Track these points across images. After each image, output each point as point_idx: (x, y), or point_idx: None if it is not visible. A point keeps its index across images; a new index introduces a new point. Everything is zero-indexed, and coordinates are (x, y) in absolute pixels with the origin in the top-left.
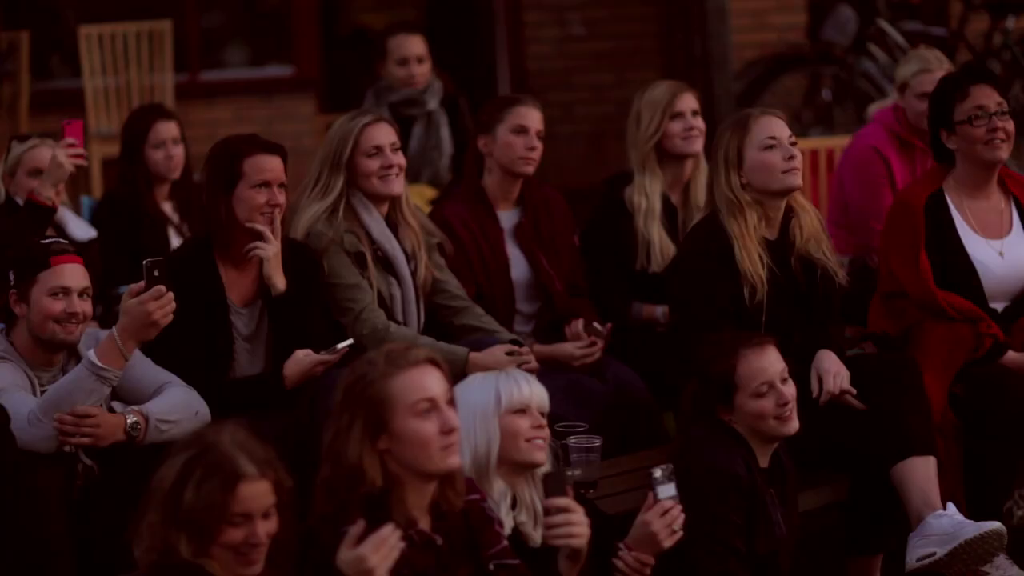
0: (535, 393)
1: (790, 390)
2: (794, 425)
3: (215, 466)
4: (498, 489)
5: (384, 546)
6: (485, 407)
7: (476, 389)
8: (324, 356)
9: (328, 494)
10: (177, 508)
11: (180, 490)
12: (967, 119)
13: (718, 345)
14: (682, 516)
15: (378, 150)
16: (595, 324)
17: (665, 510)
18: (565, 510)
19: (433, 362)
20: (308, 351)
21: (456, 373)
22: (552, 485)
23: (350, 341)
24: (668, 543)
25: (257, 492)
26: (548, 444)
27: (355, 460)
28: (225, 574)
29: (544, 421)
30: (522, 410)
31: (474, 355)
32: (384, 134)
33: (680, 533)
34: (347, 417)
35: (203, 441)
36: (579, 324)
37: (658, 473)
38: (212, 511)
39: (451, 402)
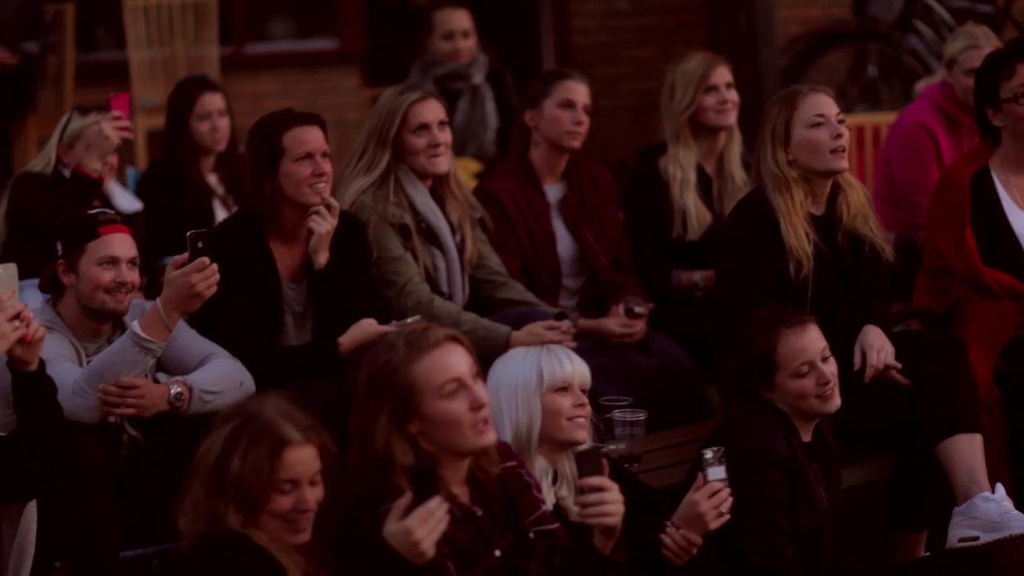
0: (577, 371)
1: (831, 369)
2: (836, 403)
3: (260, 433)
4: (539, 466)
5: (431, 519)
6: (527, 384)
7: (518, 365)
8: (389, 328)
9: (359, 479)
10: (224, 479)
11: (226, 461)
12: (1013, 97)
13: (759, 323)
14: (730, 499)
15: (425, 128)
16: (636, 308)
17: (714, 491)
18: (599, 489)
19: (454, 339)
20: (372, 321)
21: (498, 351)
22: (586, 463)
23: (417, 317)
24: (715, 525)
25: (304, 457)
26: (589, 421)
27: (383, 448)
28: (273, 544)
29: (586, 399)
30: (564, 388)
31: (516, 334)
32: (432, 111)
33: (727, 516)
34: (373, 405)
35: (246, 411)
36: (620, 310)
37: (709, 455)
38: (260, 478)
39: (477, 375)
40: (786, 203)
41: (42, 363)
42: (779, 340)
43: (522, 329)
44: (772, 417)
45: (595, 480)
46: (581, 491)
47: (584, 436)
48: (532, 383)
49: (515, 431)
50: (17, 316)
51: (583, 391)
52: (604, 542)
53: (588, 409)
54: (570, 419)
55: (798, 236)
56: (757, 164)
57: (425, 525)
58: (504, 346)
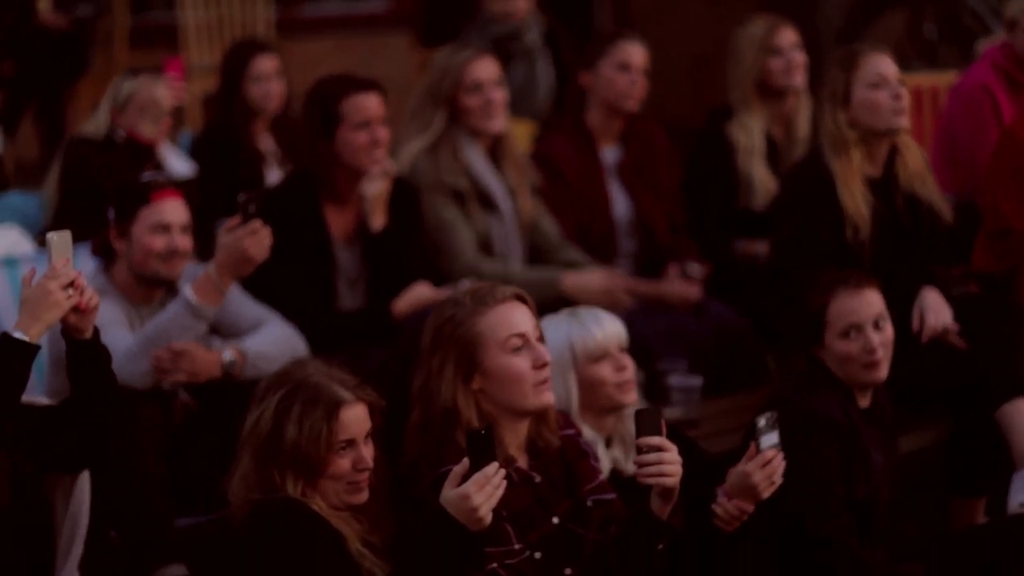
0: (609, 334)
1: (881, 338)
2: (880, 374)
3: (313, 397)
4: (586, 436)
5: (488, 484)
6: (559, 359)
7: (551, 337)
8: (444, 293)
9: (422, 436)
10: (279, 448)
11: (280, 430)
12: None
13: (817, 280)
14: (783, 465)
15: (480, 86)
16: (689, 267)
17: (766, 460)
18: (658, 448)
19: (520, 298)
20: (427, 285)
21: (552, 295)
22: (645, 422)
23: (469, 281)
24: (767, 493)
25: (358, 416)
26: (635, 380)
27: (449, 401)
28: (330, 510)
29: (626, 360)
30: (601, 357)
31: (568, 275)
32: (486, 69)
33: (779, 482)
34: (438, 359)
35: (291, 377)
36: (675, 273)
37: (762, 422)
38: (318, 442)
39: (541, 338)
40: (843, 165)
41: (96, 331)
42: (832, 298)
43: (575, 274)
44: (827, 382)
45: (654, 440)
46: (639, 450)
47: (633, 398)
48: (565, 357)
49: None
50: (71, 284)
51: (621, 351)
52: (661, 506)
53: (631, 369)
54: (616, 385)
55: (855, 199)
56: (815, 125)
57: (483, 491)
58: (558, 287)
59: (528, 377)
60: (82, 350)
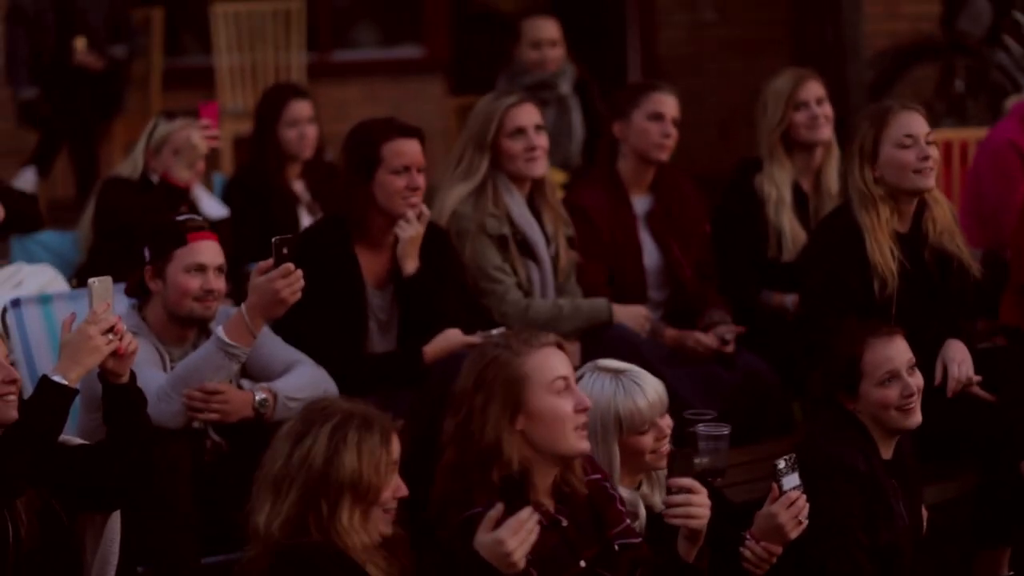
0: (655, 405)
1: (917, 381)
2: (917, 419)
3: (367, 425)
4: (625, 498)
5: (522, 529)
6: (605, 427)
7: (595, 401)
8: (475, 339)
9: (454, 477)
10: (333, 480)
11: (336, 458)
12: None
13: (847, 331)
14: (807, 506)
15: (522, 131)
16: (727, 336)
17: (791, 501)
18: (688, 490)
19: (559, 346)
20: (458, 331)
21: (602, 323)
22: (678, 464)
23: (502, 329)
24: (794, 534)
25: (399, 444)
26: (669, 443)
27: (492, 440)
28: (361, 548)
29: (666, 427)
30: (645, 430)
31: (617, 306)
32: (528, 115)
33: (806, 523)
34: (481, 398)
35: (335, 409)
36: (712, 338)
37: (782, 464)
38: (379, 467)
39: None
40: (871, 220)
41: (133, 375)
42: (866, 348)
43: (624, 307)
44: (853, 432)
45: (685, 481)
46: (669, 490)
47: (665, 463)
48: (610, 426)
49: None
50: (111, 329)
51: (663, 417)
52: (688, 548)
53: (668, 433)
54: (654, 452)
55: (883, 253)
56: (844, 179)
57: (517, 536)
58: (608, 318)
59: (570, 420)
60: (119, 393)
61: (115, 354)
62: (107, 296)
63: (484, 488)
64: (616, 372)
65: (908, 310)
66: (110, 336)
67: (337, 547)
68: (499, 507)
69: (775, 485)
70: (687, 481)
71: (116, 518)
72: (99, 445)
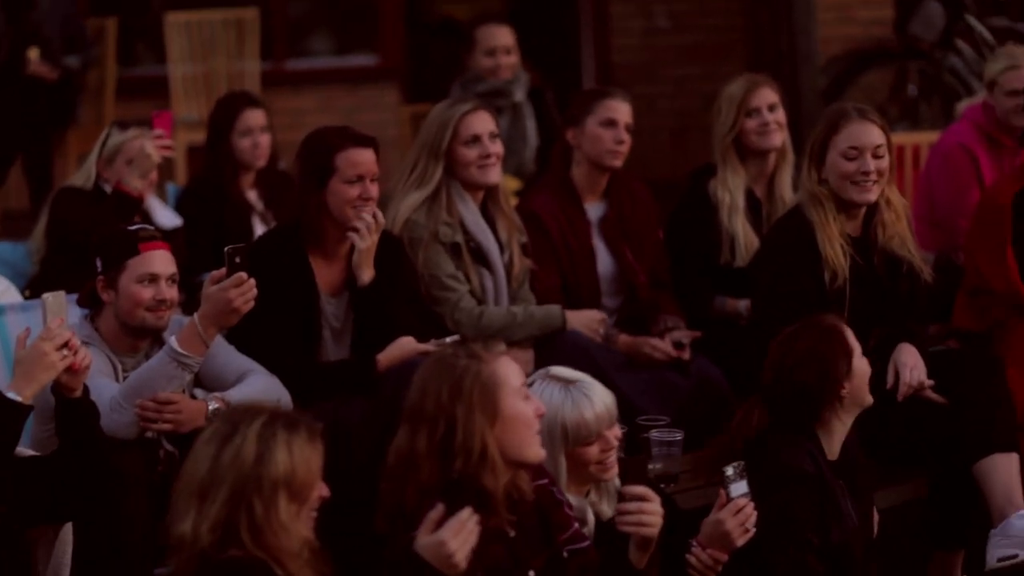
0: (600, 415)
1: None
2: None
3: (293, 425)
4: (573, 505)
5: (464, 530)
6: (552, 435)
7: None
8: (428, 347)
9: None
10: (266, 477)
11: (269, 458)
12: None
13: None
14: (755, 514)
15: (477, 139)
16: (683, 340)
17: (739, 508)
18: (641, 498)
19: (509, 355)
20: (411, 339)
21: (556, 330)
22: (630, 471)
23: (457, 337)
24: (741, 541)
25: (320, 447)
26: (617, 454)
27: (481, 449)
28: (297, 546)
29: (613, 439)
30: (591, 441)
31: (570, 312)
32: (483, 123)
33: (753, 531)
34: (463, 409)
35: (257, 411)
36: (667, 342)
37: (730, 471)
38: (309, 464)
39: None
40: (820, 217)
41: (86, 389)
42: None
43: (578, 312)
44: (798, 435)
45: (638, 489)
46: (621, 498)
47: (612, 475)
48: (556, 435)
49: None
50: (65, 344)
51: (610, 428)
52: (639, 556)
53: (616, 445)
54: (599, 463)
55: (834, 247)
56: (797, 177)
57: (459, 537)
58: (561, 324)
59: (534, 425)
60: (72, 407)
61: (69, 369)
62: (61, 311)
63: (478, 499)
64: (566, 382)
65: (860, 312)
66: (64, 352)
67: (265, 560)
68: (440, 508)
69: (723, 491)
70: (640, 489)
71: (68, 529)
72: (51, 457)
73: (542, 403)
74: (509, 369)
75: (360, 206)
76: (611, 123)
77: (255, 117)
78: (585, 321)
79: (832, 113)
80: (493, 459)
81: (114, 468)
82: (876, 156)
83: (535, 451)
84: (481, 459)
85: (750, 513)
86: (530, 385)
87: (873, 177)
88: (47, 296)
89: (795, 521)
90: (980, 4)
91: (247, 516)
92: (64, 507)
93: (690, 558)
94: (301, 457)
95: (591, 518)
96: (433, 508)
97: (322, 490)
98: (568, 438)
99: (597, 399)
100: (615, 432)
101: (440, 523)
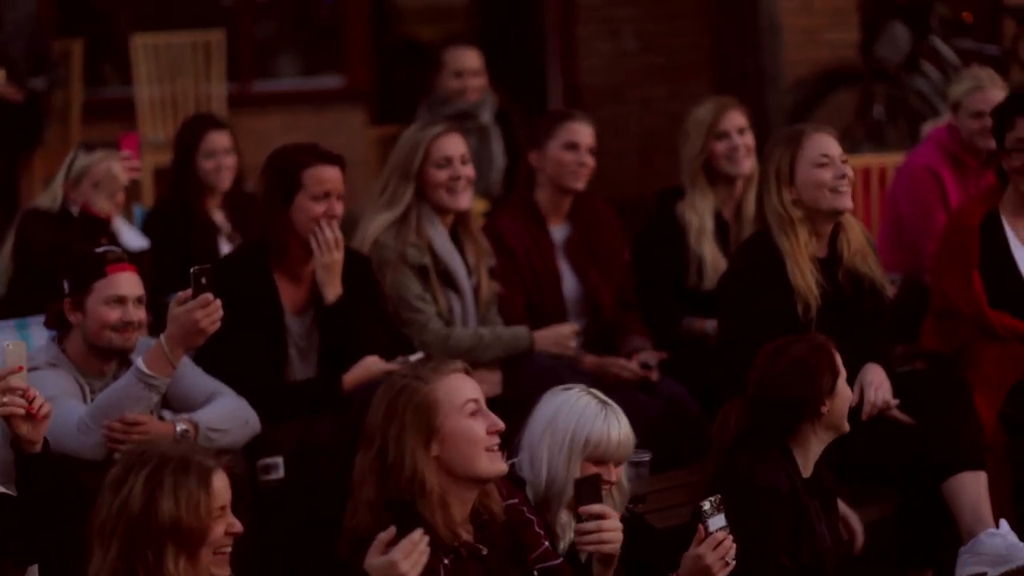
0: (622, 442)
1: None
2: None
3: (183, 467)
4: (562, 520)
5: (415, 551)
6: (574, 442)
7: (575, 414)
8: (392, 366)
9: (374, 512)
10: (153, 527)
11: (154, 505)
12: (1011, 148)
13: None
14: (734, 547)
15: (448, 161)
16: (650, 362)
17: (718, 542)
18: (599, 517)
19: (466, 371)
20: (377, 358)
21: (523, 351)
22: (585, 491)
23: (420, 355)
24: (722, 575)
25: (225, 482)
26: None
27: (411, 470)
28: None
29: (613, 477)
30: (602, 463)
31: (537, 333)
32: (454, 145)
33: (733, 564)
34: (395, 428)
35: (151, 454)
36: (635, 364)
37: (707, 506)
38: (198, 510)
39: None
40: (791, 243)
41: (46, 443)
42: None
43: (546, 330)
44: (773, 452)
45: (595, 508)
46: (579, 518)
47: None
48: (579, 444)
49: (549, 478)
50: (23, 394)
51: (618, 466)
52: (601, 572)
53: (612, 483)
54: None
55: (805, 276)
56: (760, 204)
57: (409, 558)
58: (529, 345)
59: (483, 441)
60: (32, 464)
61: (29, 416)
62: (22, 359)
63: (410, 520)
64: (603, 401)
65: (826, 332)
66: (16, 398)
67: None
68: (391, 530)
69: (701, 527)
70: (598, 507)
71: (34, 571)
72: (11, 501)
73: (498, 419)
74: (455, 385)
75: (324, 222)
76: (573, 146)
77: (219, 139)
78: (555, 338)
79: (788, 133)
80: (424, 480)
81: (79, 488)
82: (843, 162)
83: (486, 466)
84: (412, 479)
85: (729, 546)
86: (566, 389)
87: (847, 183)
88: (8, 344)
89: (769, 540)
90: (945, 26)
91: (142, 565)
92: (25, 553)
93: None
94: (188, 504)
95: (570, 535)
96: (382, 529)
97: (232, 527)
98: (587, 450)
99: (625, 426)
100: (618, 473)
101: (391, 544)
